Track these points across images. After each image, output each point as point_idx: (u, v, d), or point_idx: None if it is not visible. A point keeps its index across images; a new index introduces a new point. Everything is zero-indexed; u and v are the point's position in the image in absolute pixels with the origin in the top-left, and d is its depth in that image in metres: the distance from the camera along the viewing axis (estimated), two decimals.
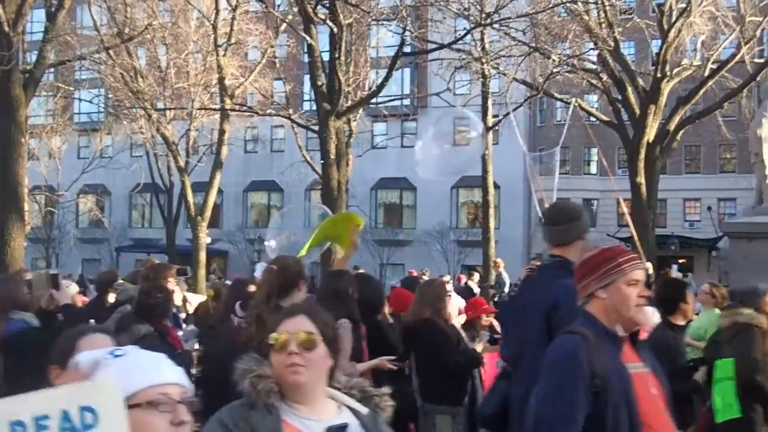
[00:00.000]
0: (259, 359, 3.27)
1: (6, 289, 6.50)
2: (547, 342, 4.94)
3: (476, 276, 25.36)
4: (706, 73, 26.20)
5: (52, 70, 30.74)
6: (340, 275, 7.50)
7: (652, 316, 8.18)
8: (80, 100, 47.07)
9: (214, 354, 7.02)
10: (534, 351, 5.07)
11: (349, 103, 22.36)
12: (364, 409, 3.30)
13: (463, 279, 28.12)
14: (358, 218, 8.49)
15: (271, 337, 3.26)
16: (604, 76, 27.03)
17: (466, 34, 22.89)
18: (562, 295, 5.02)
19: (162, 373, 2.70)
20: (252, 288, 8.20)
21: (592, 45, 27.24)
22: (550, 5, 25.60)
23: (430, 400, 7.92)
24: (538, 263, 17.97)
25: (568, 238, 5.46)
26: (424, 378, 8.01)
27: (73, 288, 9.12)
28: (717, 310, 10.07)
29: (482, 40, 25.64)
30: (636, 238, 20.03)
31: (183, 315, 11.35)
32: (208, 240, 32.73)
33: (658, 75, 25.66)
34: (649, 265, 13.75)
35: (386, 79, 20.21)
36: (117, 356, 2.68)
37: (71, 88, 42.32)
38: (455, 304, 12.50)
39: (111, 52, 29.17)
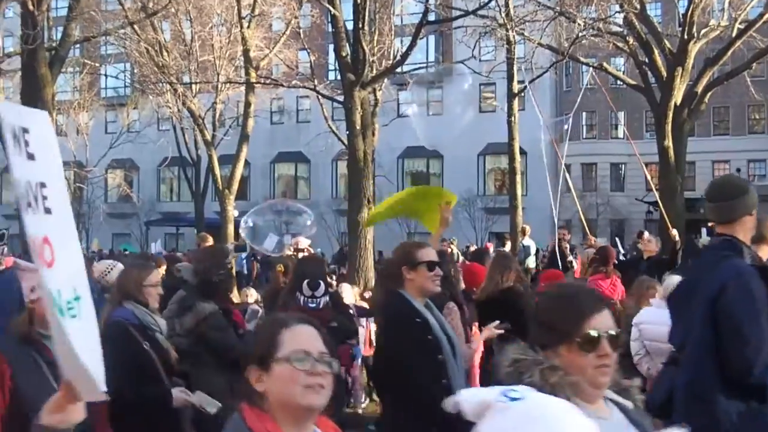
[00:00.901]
0: (527, 347, 3.00)
1: (124, 277, 6.32)
2: (711, 332, 4.75)
3: (509, 244, 25.22)
4: (734, 34, 25.87)
5: (77, 45, 30.82)
6: (443, 257, 7.21)
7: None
8: (106, 76, 47.24)
9: None
10: (697, 341, 4.86)
11: (374, 72, 22.29)
12: (628, 403, 3.10)
13: (491, 247, 28.08)
14: (450, 194, 7.82)
15: (585, 333, 2.96)
16: (631, 39, 26.75)
17: (490, 1, 22.73)
18: (732, 277, 4.79)
19: (574, 427, 2.15)
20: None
21: (617, 8, 26.95)
22: None
23: None
24: (565, 232, 17.75)
25: (735, 215, 5.05)
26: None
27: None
28: None
29: (507, 5, 25.44)
30: (660, 204, 19.82)
31: None
32: (236, 213, 32.85)
33: (685, 37, 25.35)
34: (675, 232, 13.55)
35: (410, 48, 20.14)
36: (514, 399, 2.17)
37: (97, 64, 42.47)
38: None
39: (136, 26, 29.22)
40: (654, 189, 22.11)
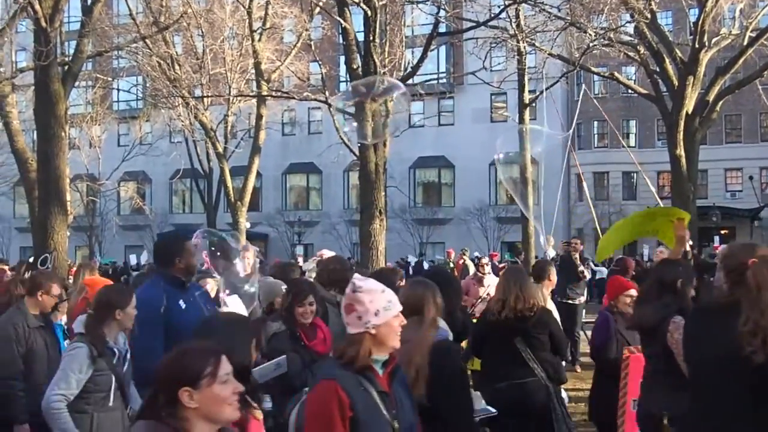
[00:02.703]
0: None
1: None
2: None
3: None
4: (745, 42, 25.85)
5: (90, 60, 30.98)
6: (670, 264, 6.75)
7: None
8: (119, 89, 47.42)
9: None
10: None
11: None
12: None
13: (497, 257, 28.07)
14: (681, 212, 7.80)
15: None
16: (642, 49, 26.74)
17: (501, 12, 22.72)
18: None
19: None
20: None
21: (628, 17, 26.95)
22: None
23: None
24: (577, 242, 17.68)
25: None
26: None
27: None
28: None
29: (517, 16, 25.46)
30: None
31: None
32: (248, 224, 32.97)
33: (696, 45, 25.33)
34: None
35: (421, 60, 20.16)
36: None
37: (109, 78, 42.64)
38: (493, 284, 12.38)
39: (148, 41, 29.34)
40: (659, 200, 21.93)
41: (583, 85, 27.58)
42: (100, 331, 6.08)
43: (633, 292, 8.13)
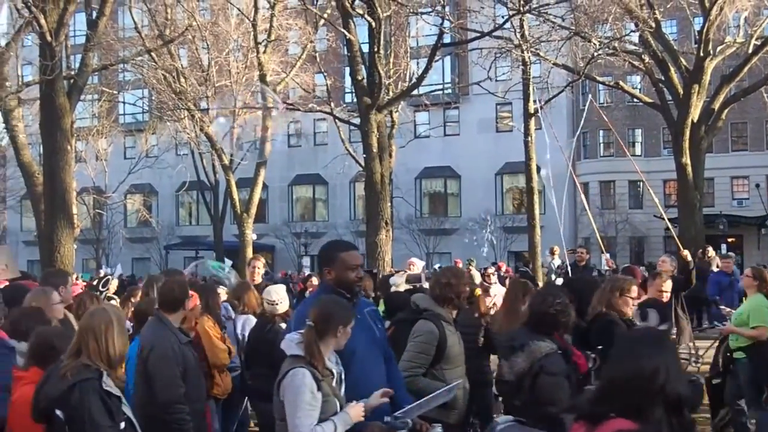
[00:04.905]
0: None
1: None
2: None
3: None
4: (750, 50, 25.86)
5: (95, 73, 31.07)
6: None
7: None
8: (125, 103, 47.53)
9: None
10: None
11: (390, 95, 22.33)
12: None
13: (503, 266, 28.04)
14: None
15: None
16: (646, 58, 26.76)
17: (505, 22, 22.75)
18: None
19: None
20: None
21: (632, 26, 26.99)
22: None
23: None
24: (583, 251, 17.71)
25: None
26: None
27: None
28: (761, 295, 9.78)
29: (521, 26, 25.46)
30: (669, 225, 19.35)
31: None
32: (254, 236, 32.99)
33: (701, 54, 25.34)
34: (686, 252, 13.35)
35: (426, 71, 20.20)
36: None
37: (115, 91, 42.74)
38: (500, 294, 12.35)
39: (153, 54, 29.44)
40: (662, 210, 21.57)
41: (590, 95, 27.51)
42: (320, 351, 5.24)
43: None
